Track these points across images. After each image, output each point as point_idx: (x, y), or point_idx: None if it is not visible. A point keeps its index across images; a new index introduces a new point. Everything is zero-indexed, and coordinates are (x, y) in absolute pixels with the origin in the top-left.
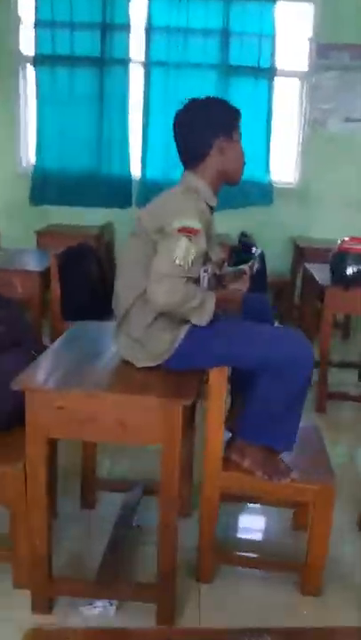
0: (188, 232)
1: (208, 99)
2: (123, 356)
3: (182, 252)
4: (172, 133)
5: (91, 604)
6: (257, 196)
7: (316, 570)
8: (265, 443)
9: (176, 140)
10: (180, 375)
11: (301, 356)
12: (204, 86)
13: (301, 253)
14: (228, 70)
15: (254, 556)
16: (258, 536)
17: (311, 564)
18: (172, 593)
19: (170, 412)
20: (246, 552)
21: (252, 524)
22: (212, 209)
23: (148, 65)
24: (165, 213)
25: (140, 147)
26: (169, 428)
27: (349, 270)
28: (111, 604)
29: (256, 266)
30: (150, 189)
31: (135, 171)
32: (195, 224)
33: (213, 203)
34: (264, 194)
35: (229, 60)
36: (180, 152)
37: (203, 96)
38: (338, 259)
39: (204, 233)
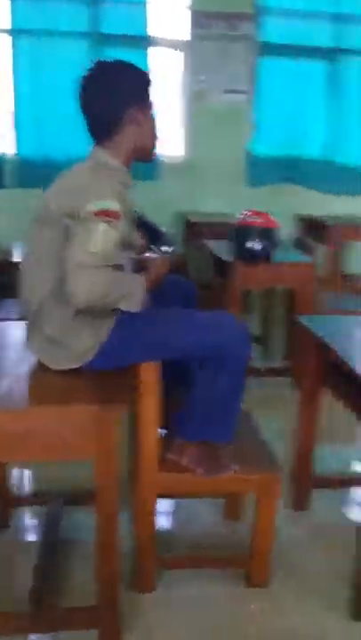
0: (105, 215)
1: (116, 62)
2: (38, 358)
3: (100, 238)
4: (45, 107)
5: None
6: (142, 171)
7: (261, 561)
8: (206, 438)
9: (82, 110)
10: (106, 376)
11: (240, 340)
12: (75, 56)
13: (193, 229)
14: (102, 39)
15: (194, 555)
16: (191, 531)
17: (256, 556)
18: (115, 614)
19: (104, 422)
20: (183, 551)
21: (181, 519)
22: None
23: (12, 33)
24: (77, 195)
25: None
26: (104, 440)
27: (253, 245)
28: (48, 637)
29: (173, 247)
30: (26, 168)
31: (8, 149)
32: (113, 205)
33: (128, 181)
34: (150, 168)
35: (101, 28)
36: (87, 124)
37: (110, 59)
38: (240, 233)
39: (123, 215)
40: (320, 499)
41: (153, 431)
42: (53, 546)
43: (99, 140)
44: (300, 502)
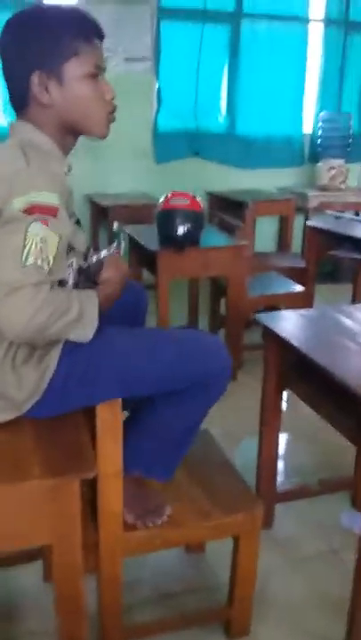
0: (40, 212)
1: (35, 7)
2: None
3: (37, 245)
4: None
5: None
6: None
7: (243, 609)
8: (145, 474)
9: None
10: (55, 424)
11: (222, 368)
12: None
13: (102, 214)
14: None
15: (165, 617)
16: (154, 575)
17: (237, 604)
18: None
19: (64, 496)
20: (149, 610)
21: (140, 559)
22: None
23: None
24: (1, 187)
25: None
26: (64, 519)
27: (180, 230)
28: None
29: (123, 244)
30: None
31: None
32: (50, 198)
33: (64, 165)
34: None
35: None
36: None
37: (35, 5)
38: (164, 218)
39: (64, 210)
40: (281, 512)
41: (115, 485)
42: None
43: (17, 110)
44: (264, 520)
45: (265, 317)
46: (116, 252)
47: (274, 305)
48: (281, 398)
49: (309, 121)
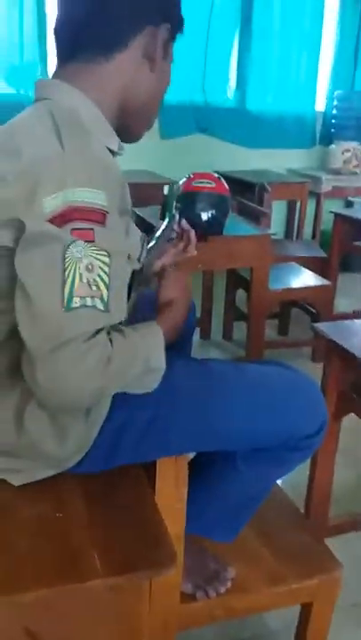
0: (82, 218)
1: None
2: None
3: (82, 276)
4: None
5: None
6: None
7: None
8: (204, 535)
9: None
10: (109, 485)
11: (317, 429)
12: None
13: None
14: None
15: None
16: None
17: None
18: None
19: (132, 595)
20: None
21: None
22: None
23: None
24: (16, 183)
25: None
26: (129, 621)
27: (205, 216)
28: None
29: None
30: None
31: None
32: (94, 197)
33: (115, 146)
34: None
35: None
36: (61, 29)
37: None
38: (186, 202)
39: (117, 209)
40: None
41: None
42: None
43: (70, 58)
44: None
45: (327, 328)
46: (176, 230)
47: (294, 299)
48: (340, 422)
49: (322, 99)
